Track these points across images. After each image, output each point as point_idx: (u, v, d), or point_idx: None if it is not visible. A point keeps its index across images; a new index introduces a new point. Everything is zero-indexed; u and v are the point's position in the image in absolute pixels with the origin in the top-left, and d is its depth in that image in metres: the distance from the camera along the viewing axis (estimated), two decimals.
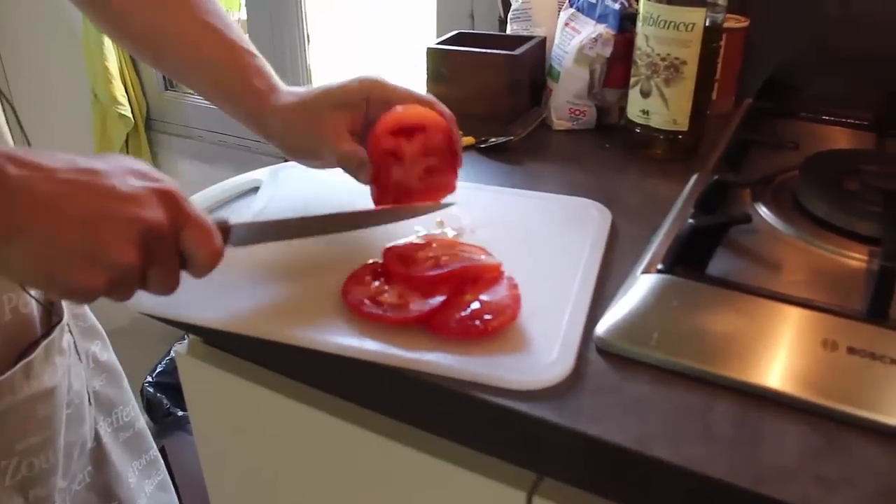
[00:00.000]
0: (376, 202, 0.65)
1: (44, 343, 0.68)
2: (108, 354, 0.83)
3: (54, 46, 1.92)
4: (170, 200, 0.48)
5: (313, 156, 0.66)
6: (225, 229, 0.54)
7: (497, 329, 0.51)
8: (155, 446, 0.90)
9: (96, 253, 0.44)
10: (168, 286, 0.50)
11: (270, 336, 0.54)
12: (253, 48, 0.68)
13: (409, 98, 0.65)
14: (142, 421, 0.87)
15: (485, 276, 0.56)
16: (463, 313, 0.52)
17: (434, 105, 0.66)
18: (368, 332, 0.52)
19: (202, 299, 0.57)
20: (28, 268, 0.44)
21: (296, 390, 0.60)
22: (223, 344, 0.64)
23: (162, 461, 0.91)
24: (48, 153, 0.45)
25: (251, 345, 0.55)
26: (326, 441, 0.62)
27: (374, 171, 0.64)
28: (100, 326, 0.83)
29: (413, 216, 0.66)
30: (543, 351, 0.50)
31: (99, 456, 0.79)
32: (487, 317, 0.52)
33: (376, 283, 0.57)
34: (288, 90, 0.67)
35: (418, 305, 0.53)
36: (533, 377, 0.48)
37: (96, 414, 0.79)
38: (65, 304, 0.74)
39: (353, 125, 0.65)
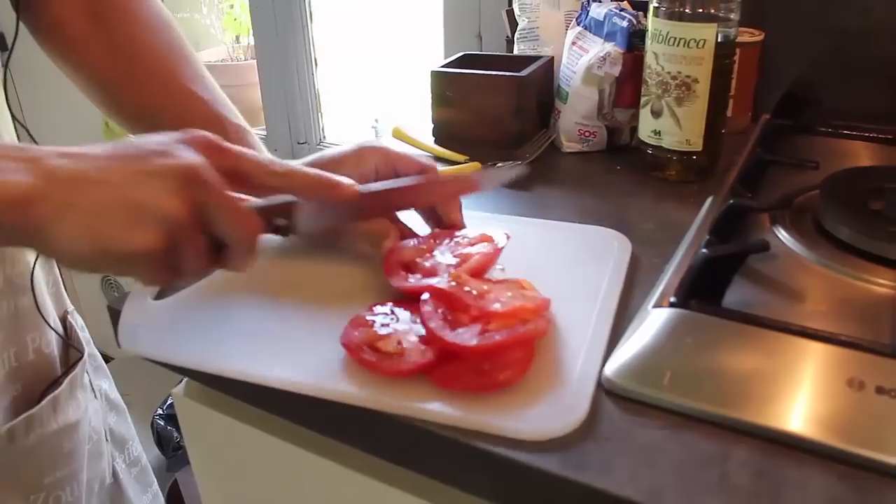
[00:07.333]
0: (386, 269, 0.60)
1: (68, 378, 0.71)
2: (114, 392, 0.86)
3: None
4: (205, 144, 0.49)
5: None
6: (291, 207, 0.53)
7: (505, 383, 0.48)
8: (155, 480, 0.92)
9: (141, 209, 0.45)
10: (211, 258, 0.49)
11: (263, 381, 0.51)
12: (241, 120, 0.67)
13: (413, 165, 0.63)
14: (145, 455, 0.90)
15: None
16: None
17: (432, 168, 0.64)
18: (368, 379, 0.49)
19: (198, 340, 0.55)
20: (83, 246, 0.44)
21: (294, 434, 0.58)
22: (219, 386, 0.62)
23: (161, 495, 0.93)
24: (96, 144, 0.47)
25: (247, 388, 0.52)
26: (326, 486, 0.59)
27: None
28: (105, 366, 0.85)
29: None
30: (555, 397, 0.47)
31: (116, 493, 0.80)
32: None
33: (379, 327, 0.53)
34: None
35: (415, 356, 0.49)
36: (543, 426, 0.45)
37: (112, 450, 0.81)
38: (83, 340, 0.77)
39: None
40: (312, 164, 0.64)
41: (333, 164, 0.63)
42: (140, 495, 0.86)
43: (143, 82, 0.67)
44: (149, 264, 0.46)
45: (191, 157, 0.47)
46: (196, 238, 0.47)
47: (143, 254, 0.45)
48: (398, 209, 0.63)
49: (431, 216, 0.65)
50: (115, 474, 0.80)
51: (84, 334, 0.78)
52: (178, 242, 0.46)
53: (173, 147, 0.47)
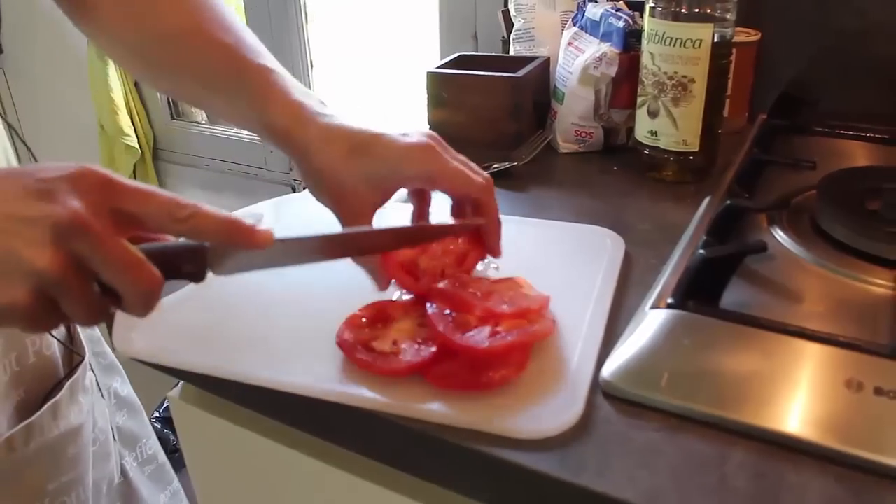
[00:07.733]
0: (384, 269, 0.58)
1: (68, 382, 0.70)
2: (127, 389, 0.85)
3: (62, 79, 1.93)
4: (97, 183, 0.42)
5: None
6: (200, 252, 0.46)
7: (501, 382, 0.47)
8: (176, 478, 0.91)
9: (7, 259, 0.40)
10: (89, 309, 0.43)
11: (257, 382, 0.51)
12: (267, 60, 0.61)
13: (461, 187, 0.55)
14: (163, 454, 0.89)
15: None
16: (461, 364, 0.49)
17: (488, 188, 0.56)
18: (363, 378, 0.49)
19: (192, 342, 0.55)
20: None
21: (290, 437, 0.58)
22: (214, 389, 0.61)
23: (184, 493, 0.92)
24: None
25: (242, 390, 0.52)
26: (323, 489, 0.59)
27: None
28: (118, 362, 0.83)
29: (444, 235, 0.58)
30: (550, 396, 0.47)
31: (127, 491, 0.80)
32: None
33: (375, 326, 0.53)
34: (323, 125, 0.57)
35: (410, 355, 0.49)
36: (539, 425, 0.45)
37: (121, 449, 0.80)
38: (85, 341, 0.76)
39: (384, 200, 0.56)
40: (359, 159, 0.55)
41: (386, 167, 0.55)
42: (156, 494, 0.85)
43: (166, 38, 0.62)
44: (19, 318, 0.42)
45: (72, 203, 0.41)
46: (81, 288, 0.42)
47: (7, 309, 0.41)
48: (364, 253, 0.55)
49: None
50: (124, 473, 0.79)
51: (93, 332, 0.77)
52: (55, 295, 0.42)
53: (58, 188, 0.42)
